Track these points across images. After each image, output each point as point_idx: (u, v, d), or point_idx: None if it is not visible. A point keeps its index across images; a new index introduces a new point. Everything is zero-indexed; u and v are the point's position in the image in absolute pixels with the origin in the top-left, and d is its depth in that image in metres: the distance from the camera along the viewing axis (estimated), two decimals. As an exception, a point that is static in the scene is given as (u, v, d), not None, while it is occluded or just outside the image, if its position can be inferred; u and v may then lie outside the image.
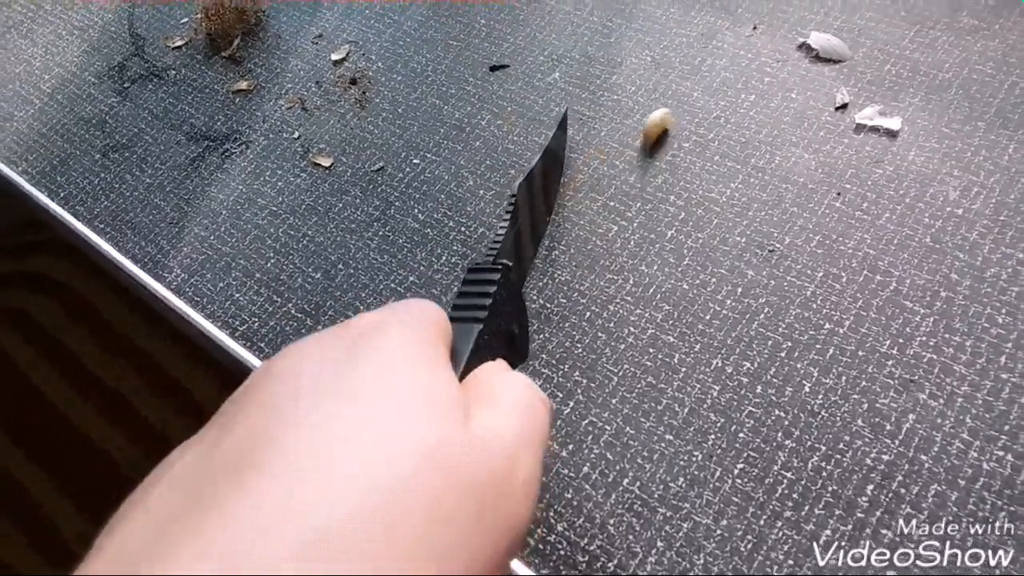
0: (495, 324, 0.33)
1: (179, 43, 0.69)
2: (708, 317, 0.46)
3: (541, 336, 0.47)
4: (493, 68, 0.60)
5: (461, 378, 0.26)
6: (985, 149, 0.48)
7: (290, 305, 0.52)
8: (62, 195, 0.62)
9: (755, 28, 0.58)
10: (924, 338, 0.43)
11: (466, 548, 0.18)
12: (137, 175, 0.61)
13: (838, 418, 0.41)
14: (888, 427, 0.40)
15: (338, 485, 0.17)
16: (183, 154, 0.62)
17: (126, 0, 0.75)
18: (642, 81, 0.57)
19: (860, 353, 0.43)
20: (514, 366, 0.37)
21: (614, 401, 0.44)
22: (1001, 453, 0.38)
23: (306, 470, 0.17)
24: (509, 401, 0.24)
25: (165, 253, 0.57)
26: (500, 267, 0.34)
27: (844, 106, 0.52)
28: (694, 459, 0.41)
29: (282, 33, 0.68)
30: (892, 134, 0.50)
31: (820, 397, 0.42)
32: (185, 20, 0.71)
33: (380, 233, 0.54)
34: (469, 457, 0.19)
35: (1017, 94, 0.50)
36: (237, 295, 0.53)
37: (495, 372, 0.26)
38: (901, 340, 0.43)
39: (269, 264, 0.54)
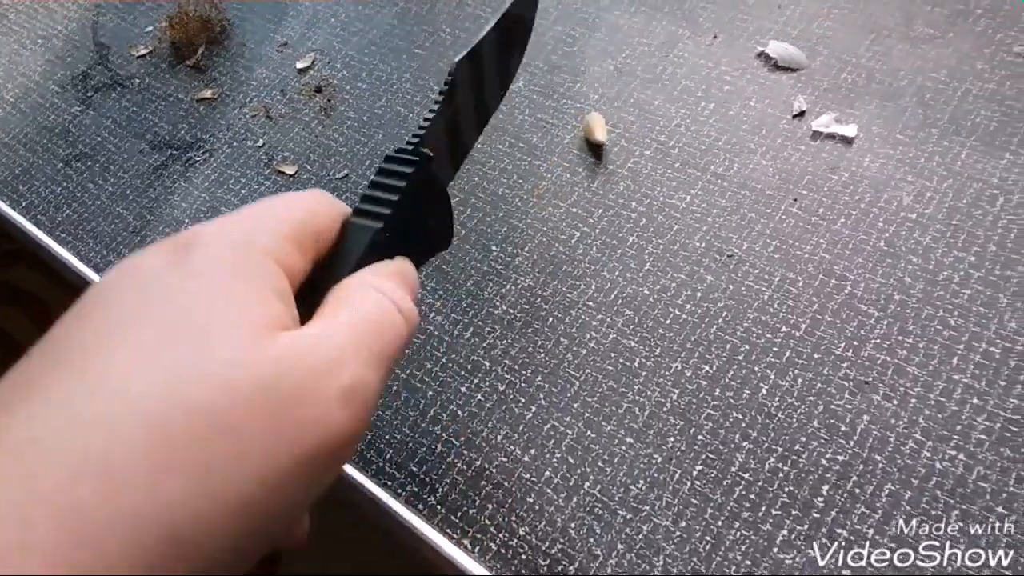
0: (405, 220, 0.31)
1: (143, 52, 0.69)
2: (668, 322, 0.46)
3: (504, 342, 0.47)
4: (458, 76, 0.61)
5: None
6: (938, 155, 0.49)
7: (253, 313, 0.52)
8: (24, 204, 0.61)
9: (715, 37, 0.59)
10: (878, 340, 0.43)
11: (252, 455, 0.20)
12: (100, 184, 0.61)
13: (794, 420, 0.41)
14: (843, 428, 0.41)
15: (120, 411, 0.19)
16: (146, 163, 0.61)
17: (91, 1, 0.75)
18: (605, 90, 0.58)
19: (816, 356, 0.43)
20: (430, 255, 0.37)
21: (576, 406, 0.44)
22: (953, 452, 0.39)
23: (97, 393, 0.20)
24: (348, 312, 0.25)
25: (127, 262, 0.56)
26: (417, 158, 0.32)
27: (801, 113, 0.53)
28: (654, 462, 0.41)
29: (247, 41, 0.68)
30: (848, 141, 0.51)
31: (777, 399, 0.42)
32: (149, 29, 0.71)
33: (344, 241, 0.54)
34: (259, 374, 0.21)
35: (970, 101, 0.51)
36: (200, 304, 0.53)
37: (363, 279, 0.27)
38: (856, 343, 0.43)
39: (232, 272, 0.54)
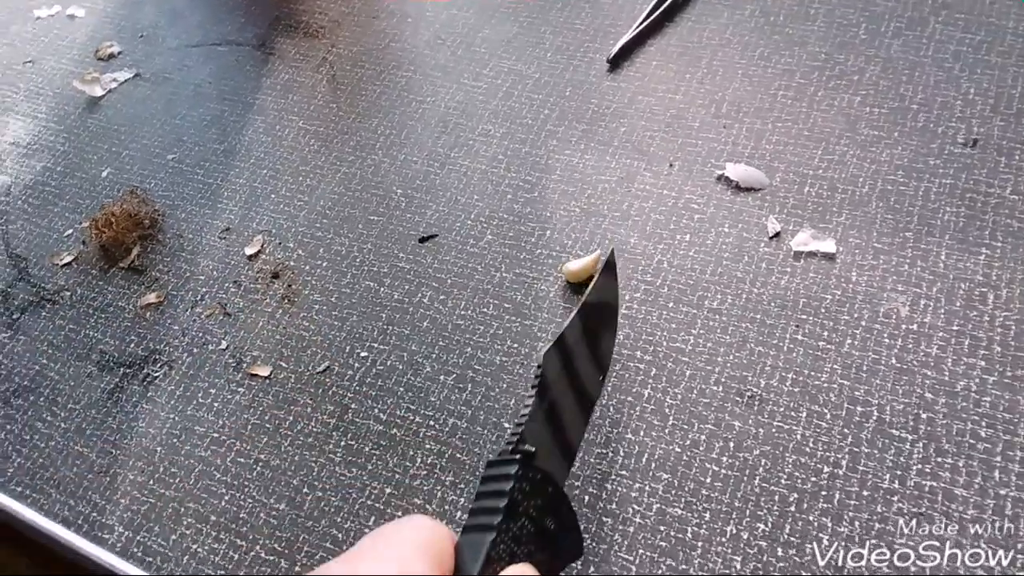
0: (519, 525, 0.30)
1: (67, 259, 0.63)
2: (708, 480, 0.45)
3: (544, 533, 0.44)
4: (422, 239, 0.59)
5: None
6: (919, 259, 0.50)
7: (258, 547, 0.47)
8: (-41, 458, 0.55)
9: (671, 165, 0.59)
10: (919, 465, 0.43)
11: None
12: (49, 421, 0.55)
13: (864, 570, 0.40)
14: (913, 570, 0.40)
15: None
16: (98, 388, 0.56)
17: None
18: (576, 233, 0.57)
19: (865, 493, 0.43)
20: (561, 566, 0.34)
21: (639, 595, 0.42)
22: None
23: None
24: None
25: (101, 509, 0.50)
26: (517, 457, 0.31)
27: (777, 235, 0.53)
28: (738, 645, 0.39)
29: (184, 232, 0.64)
30: (830, 257, 0.52)
31: (841, 550, 0.41)
32: (69, 232, 0.66)
33: (342, 443, 0.50)
34: None
35: (933, 199, 0.53)
36: (194, 546, 0.48)
37: None
38: (899, 471, 0.43)
39: (223, 503, 0.49)
